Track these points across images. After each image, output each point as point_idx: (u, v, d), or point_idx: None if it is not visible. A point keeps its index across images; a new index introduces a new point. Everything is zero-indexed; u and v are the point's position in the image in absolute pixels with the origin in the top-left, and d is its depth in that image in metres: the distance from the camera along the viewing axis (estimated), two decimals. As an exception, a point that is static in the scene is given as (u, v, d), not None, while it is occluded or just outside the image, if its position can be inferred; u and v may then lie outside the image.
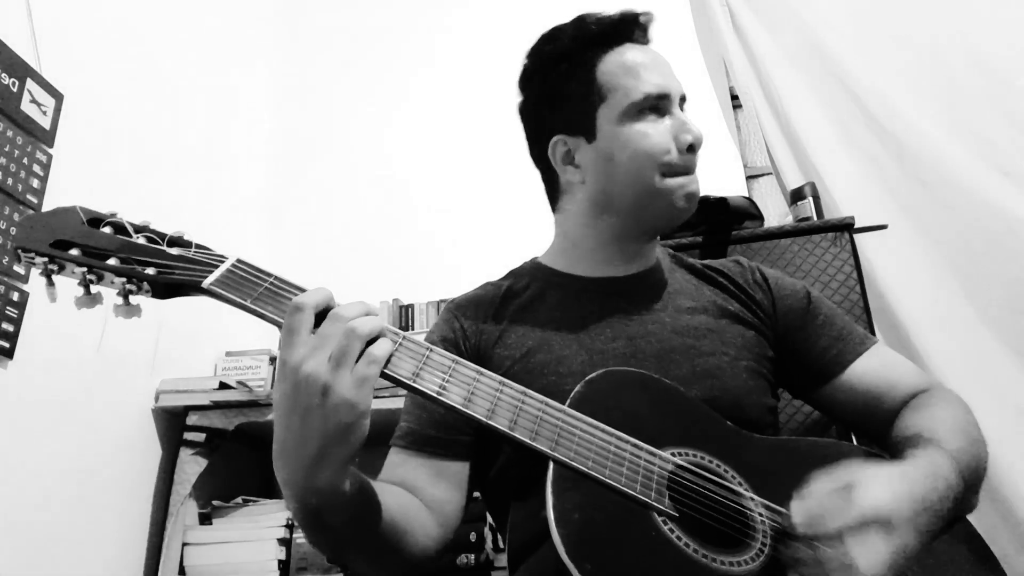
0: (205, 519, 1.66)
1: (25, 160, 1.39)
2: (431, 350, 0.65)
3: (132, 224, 0.69)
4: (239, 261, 0.68)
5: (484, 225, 2.24)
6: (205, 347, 1.91)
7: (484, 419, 0.63)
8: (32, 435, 1.36)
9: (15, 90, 1.39)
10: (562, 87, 0.93)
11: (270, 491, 1.94)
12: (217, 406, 1.66)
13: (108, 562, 1.50)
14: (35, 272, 0.66)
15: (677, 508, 0.65)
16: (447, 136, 2.42)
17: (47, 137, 1.46)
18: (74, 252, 0.65)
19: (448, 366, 0.65)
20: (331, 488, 0.60)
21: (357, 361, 0.59)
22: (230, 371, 1.84)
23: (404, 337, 0.65)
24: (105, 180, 1.62)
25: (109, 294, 0.67)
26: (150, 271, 0.65)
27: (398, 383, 0.63)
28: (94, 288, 0.67)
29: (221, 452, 1.69)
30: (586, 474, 0.63)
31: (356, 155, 2.47)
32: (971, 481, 0.74)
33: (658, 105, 0.89)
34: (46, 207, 1.43)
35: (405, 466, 0.84)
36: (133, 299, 0.67)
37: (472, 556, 1.52)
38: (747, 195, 2.06)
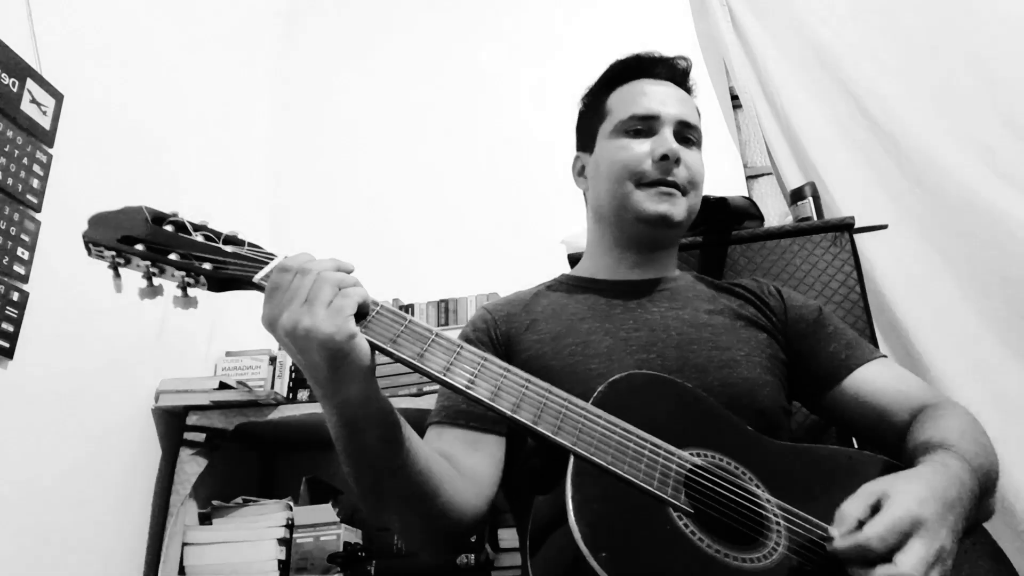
0: (205, 519, 1.66)
1: (25, 160, 1.39)
2: (462, 347, 0.69)
3: (192, 223, 0.74)
4: (288, 259, 0.71)
5: (485, 225, 2.24)
6: (205, 347, 1.91)
7: (509, 412, 0.66)
8: (32, 435, 1.36)
9: (15, 90, 1.39)
10: (584, 114, 1.10)
11: (270, 491, 1.94)
12: (217, 406, 1.66)
13: (108, 562, 1.50)
14: (103, 264, 0.72)
15: (692, 505, 0.67)
16: (448, 136, 2.42)
17: (47, 137, 1.46)
18: (139, 247, 0.70)
19: (478, 362, 0.69)
20: (360, 397, 0.66)
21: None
22: (230, 371, 1.84)
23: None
24: (105, 180, 1.62)
25: (170, 287, 0.73)
26: (207, 266, 0.70)
27: (432, 378, 0.67)
28: (156, 280, 0.72)
29: (221, 452, 1.69)
30: (605, 468, 0.65)
31: (357, 155, 2.48)
32: (984, 485, 0.75)
33: (646, 127, 0.98)
34: (46, 207, 1.43)
35: (440, 439, 0.87)
36: (191, 291, 0.72)
37: (472, 556, 1.52)
38: (747, 195, 2.07)
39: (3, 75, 1.37)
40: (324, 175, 2.48)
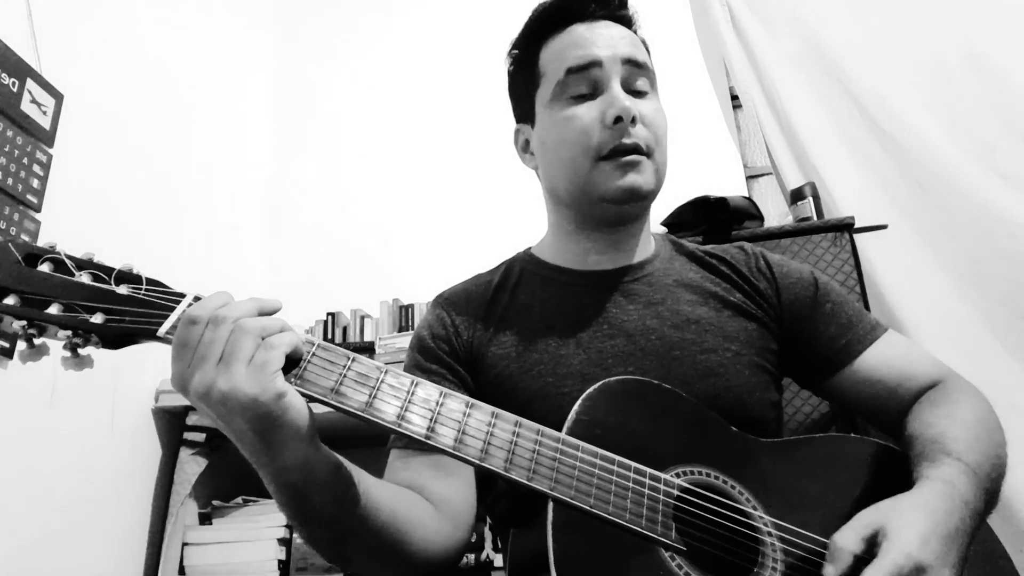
0: (205, 519, 1.66)
1: (25, 160, 1.39)
2: (417, 384, 0.61)
3: (73, 259, 0.61)
4: (197, 300, 0.59)
5: (484, 224, 2.24)
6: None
7: (477, 461, 0.59)
8: (32, 435, 1.36)
9: (15, 90, 1.39)
10: (514, 76, 0.93)
11: (270, 491, 1.94)
12: (217, 406, 1.66)
13: (108, 562, 1.50)
14: None
15: (685, 540, 0.63)
16: (447, 135, 2.42)
17: (47, 137, 1.46)
18: (10, 301, 0.58)
19: (436, 400, 0.61)
20: (301, 461, 0.57)
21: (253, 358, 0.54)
22: (230, 371, 1.83)
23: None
24: (105, 180, 1.62)
25: (56, 345, 0.60)
26: (97, 319, 0.58)
27: (385, 429, 0.59)
28: (38, 340, 0.59)
29: (221, 452, 1.69)
30: (588, 513, 0.60)
31: (356, 154, 2.48)
32: (992, 488, 0.72)
33: (588, 84, 0.83)
34: (46, 207, 1.43)
35: (408, 467, 0.78)
36: (82, 351, 0.60)
37: (472, 556, 1.52)
38: (747, 195, 2.07)
39: (3, 75, 1.37)
40: (324, 173, 2.48)
